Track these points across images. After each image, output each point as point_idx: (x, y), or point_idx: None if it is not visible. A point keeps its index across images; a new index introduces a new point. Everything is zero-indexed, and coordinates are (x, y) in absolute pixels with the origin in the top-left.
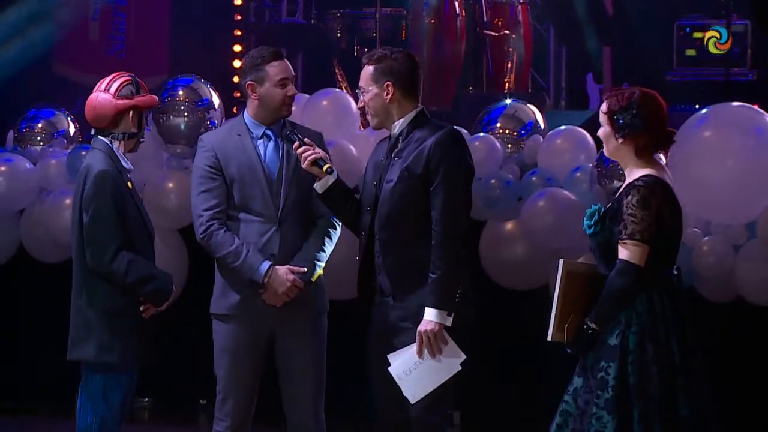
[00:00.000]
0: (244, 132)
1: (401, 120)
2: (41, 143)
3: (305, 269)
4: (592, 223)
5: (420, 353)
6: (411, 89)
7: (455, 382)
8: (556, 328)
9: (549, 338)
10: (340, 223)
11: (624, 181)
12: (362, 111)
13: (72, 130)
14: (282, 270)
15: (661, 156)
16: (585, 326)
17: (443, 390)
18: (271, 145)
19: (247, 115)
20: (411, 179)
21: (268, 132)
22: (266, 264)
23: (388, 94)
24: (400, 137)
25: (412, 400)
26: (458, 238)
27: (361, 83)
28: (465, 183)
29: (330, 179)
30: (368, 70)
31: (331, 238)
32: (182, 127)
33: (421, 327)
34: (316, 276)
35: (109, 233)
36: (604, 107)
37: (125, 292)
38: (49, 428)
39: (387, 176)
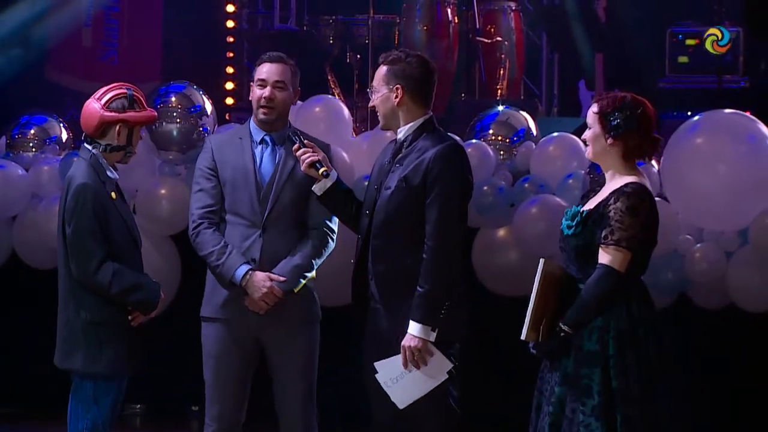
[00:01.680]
0: (246, 136)
1: (408, 125)
2: (34, 149)
3: (284, 279)
4: (573, 223)
5: (405, 365)
6: (421, 95)
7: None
8: (530, 327)
9: (523, 337)
10: (335, 237)
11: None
12: (374, 108)
13: (65, 136)
14: (260, 276)
15: (654, 163)
16: (557, 329)
17: (446, 397)
18: (268, 150)
19: (251, 119)
20: (408, 189)
21: (267, 138)
22: (245, 268)
23: (396, 97)
24: (405, 143)
25: (400, 405)
26: (449, 255)
27: (374, 83)
28: (461, 199)
29: (327, 182)
30: (381, 70)
31: (319, 251)
32: (175, 133)
33: (405, 342)
34: (299, 287)
35: (92, 245)
36: (594, 108)
37: (112, 302)
38: None
39: (386, 182)
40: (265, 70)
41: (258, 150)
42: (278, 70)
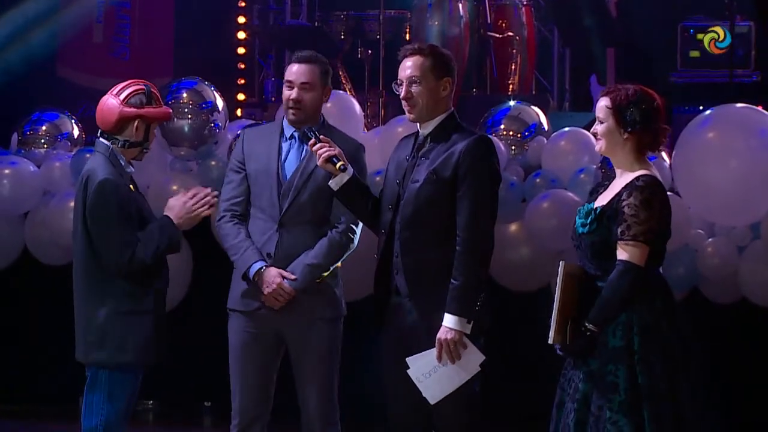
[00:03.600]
0: (277, 131)
1: (435, 119)
2: (45, 146)
3: (294, 277)
4: (588, 221)
5: (440, 359)
6: (453, 90)
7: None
8: (556, 331)
9: (550, 341)
10: (356, 239)
11: (612, 181)
12: (407, 100)
13: (76, 132)
14: (272, 272)
15: (665, 158)
16: (583, 328)
17: (468, 395)
18: (294, 147)
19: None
20: (438, 182)
21: (296, 134)
22: (258, 264)
23: (444, 90)
24: (429, 137)
25: (432, 401)
26: (483, 246)
27: (417, 72)
28: (492, 191)
29: (344, 177)
30: (426, 60)
31: (335, 250)
32: (186, 129)
33: (441, 335)
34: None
35: (124, 237)
36: (607, 102)
37: (132, 293)
38: (53, 431)
39: (412, 176)
40: (293, 71)
41: (285, 145)
42: (304, 70)
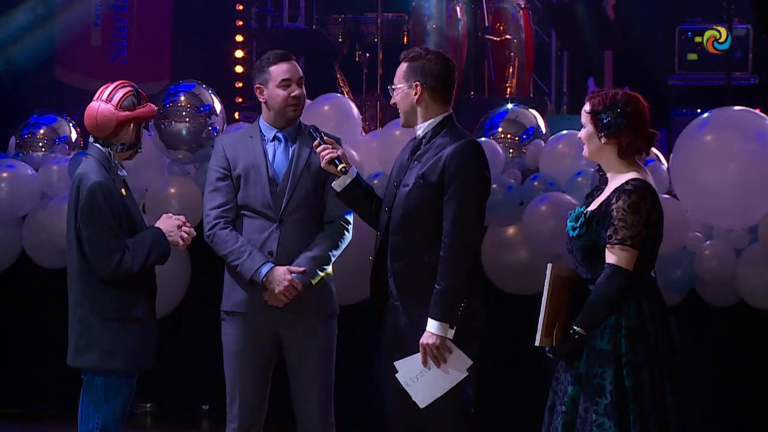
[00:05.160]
0: (256, 134)
1: (427, 122)
2: (43, 149)
3: (304, 269)
4: (577, 224)
5: (425, 363)
6: (440, 92)
7: (474, 389)
8: (543, 332)
9: (537, 343)
10: (350, 229)
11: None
12: (394, 107)
13: (74, 135)
14: (281, 270)
15: (663, 160)
16: (571, 331)
17: (462, 398)
18: (281, 147)
19: (261, 118)
20: (426, 186)
21: (279, 135)
22: (267, 266)
23: (416, 93)
24: (423, 140)
25: (421, 404)
26: (467, 251)
27: (394, 79)
28: (479, 196)
29: (347, 179)
30: (402, 67)
31: (336, 243)
32: (184, 132)
33: (423, 339)
34: (317, 279)
35: (112, 242)
36: (587, 107)
37: (126, 298)
38: None
39: (405, 179)
40: (290, 69)
41: (270, 146)
42: (297, 67)
